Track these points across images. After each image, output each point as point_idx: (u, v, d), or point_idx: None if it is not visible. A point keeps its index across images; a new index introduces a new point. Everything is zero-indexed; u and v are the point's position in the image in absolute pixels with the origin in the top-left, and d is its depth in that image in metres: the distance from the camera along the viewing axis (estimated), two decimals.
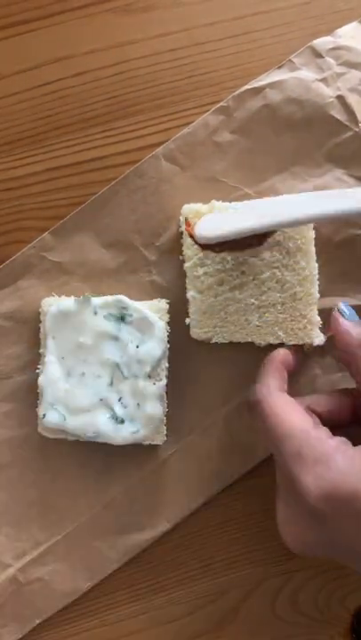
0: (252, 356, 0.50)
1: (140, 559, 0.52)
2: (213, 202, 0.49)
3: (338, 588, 0.52)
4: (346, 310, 0.45)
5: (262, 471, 0.50)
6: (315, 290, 0.49)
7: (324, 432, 0.42)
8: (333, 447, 0.41)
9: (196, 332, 0.50)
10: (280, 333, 0.49)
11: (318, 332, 0.49)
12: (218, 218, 0.48)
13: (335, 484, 0.39)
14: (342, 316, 0.45)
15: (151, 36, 0.53)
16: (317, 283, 0.49)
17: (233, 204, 0.49)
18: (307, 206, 0.44)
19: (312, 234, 0.49)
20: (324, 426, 0.44)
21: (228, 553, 0.52)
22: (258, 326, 0.49)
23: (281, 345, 0.49)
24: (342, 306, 0.45)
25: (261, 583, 0.52)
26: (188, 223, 0.48)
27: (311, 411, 0.45)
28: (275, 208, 0.46)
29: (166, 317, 0.50)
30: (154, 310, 0.49)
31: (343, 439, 0.42)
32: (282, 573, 0.52)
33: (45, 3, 0.53)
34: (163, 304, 0.50)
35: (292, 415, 0.43)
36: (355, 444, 0.42)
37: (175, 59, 0.53)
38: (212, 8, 0.53)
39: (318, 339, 0.49)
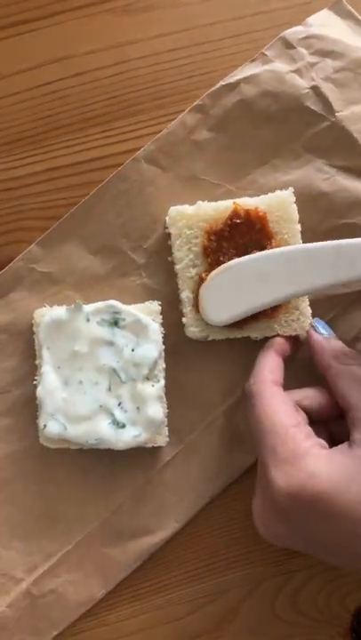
0: (247, 349, 0.50)
1: None
2: (199, 202, 0.49)
3: (338, 588, 0.52)
4: (319, 326, 0.48)
5: None
6: None
7: (303, 432, 0.43)
8: (306, 449, 0.42)
9: (193, 332, 0.50)
10: (275, 326, 0.49)
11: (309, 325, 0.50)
12: (218, 294, 0.48)
13: (302, 484, 0.40)
14: (316, 331, 0.48)
15: (151, 36, 0.53)
16: None
17: (218, 202, 0.49)
18: (313, 273, 0.46)
19: (298, 227, 0.49)
20: (314, 420, 0.46)
21: (228, 553, 0.52)
22: (254, 321, 0.49)
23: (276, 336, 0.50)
24: (316, 323, 0.49)
25: (261, 583, 0.52)
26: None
27: (301, 405, 0.46)
28: (280, 274, 0.46)
29: (159, 319, 0.50)
30: (146, 313, 0.49)
31: (320, 441, 0.43)
32: (282, 573, 0.52)
33: (45, 3, 0.53)
34: (155, 306, 0.50)
35: (277, 412, 0.44)
36: (337, 440, 0.44)
37: (175, 59, 0.53)
38: (212, 8, 0.53)
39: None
